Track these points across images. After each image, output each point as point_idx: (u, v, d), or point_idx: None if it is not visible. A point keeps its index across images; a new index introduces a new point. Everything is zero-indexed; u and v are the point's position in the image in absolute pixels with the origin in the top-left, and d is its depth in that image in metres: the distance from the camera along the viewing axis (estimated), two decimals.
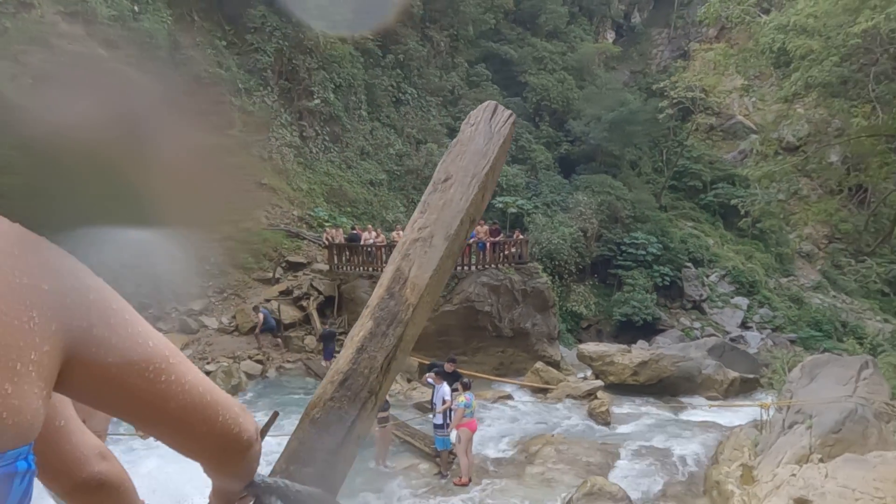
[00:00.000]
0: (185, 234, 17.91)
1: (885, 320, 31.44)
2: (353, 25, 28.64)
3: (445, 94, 34.15)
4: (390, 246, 18.31)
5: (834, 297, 34.33)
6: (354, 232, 19.89)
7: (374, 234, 19.63)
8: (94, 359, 0.61)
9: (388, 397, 10.09)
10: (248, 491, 0.84)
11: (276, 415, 1.05)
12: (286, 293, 18.83)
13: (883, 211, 19.64)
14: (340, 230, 21.24)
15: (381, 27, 30.75)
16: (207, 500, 0.89)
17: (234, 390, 13.91)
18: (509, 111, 1.10)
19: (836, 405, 8.26)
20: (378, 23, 29.60)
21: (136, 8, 22.20)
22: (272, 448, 1.01)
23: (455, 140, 1.11)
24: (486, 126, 1.06)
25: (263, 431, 1.04)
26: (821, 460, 7.33)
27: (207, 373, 14.42)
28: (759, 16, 15.61)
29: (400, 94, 32.64)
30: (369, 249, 18.48)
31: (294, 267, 20.34)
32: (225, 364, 14.86)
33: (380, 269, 18.39)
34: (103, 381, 0.63)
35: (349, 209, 27.00)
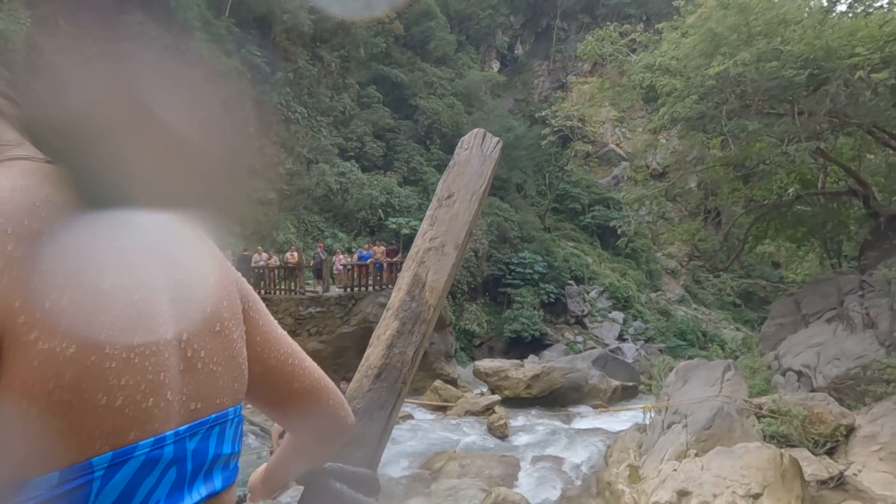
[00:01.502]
0: None
1: (737, 328, 35.35)
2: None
3: (337, 115, 34.00)
4: (284, 268, 17.78)
5: (695, 309, 38.03)
6: (246, 254, 19.06)
7: (265, 255, 18.94)
8: (246, 337, 0.69)
9: None
10: (306, 478, 0.91)
11: None
12: None
13: (734, 231, 22.20)
14: (229, 252, 20.25)
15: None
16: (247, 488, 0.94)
17: None
18: (497, 138, 1.25)
19: (707, 404, 9.22)
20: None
21: None
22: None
23: (452, 162, 1.24)
24: (479, 150, 1.20)
25: None
26: (696, 455, 8.13)
27: None
28: (630, 55, 17.27)
29: (290, 113, 31.98)
30: (261, 272, 17.79)
31: None
32: None
33: (274, 291, 17.74)
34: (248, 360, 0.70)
35: (236, 230, 25.80)
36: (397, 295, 1.08)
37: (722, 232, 23.23)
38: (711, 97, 13.37)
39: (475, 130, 1.28)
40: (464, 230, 1.14)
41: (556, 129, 37.22)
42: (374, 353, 0.99)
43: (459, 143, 1.26)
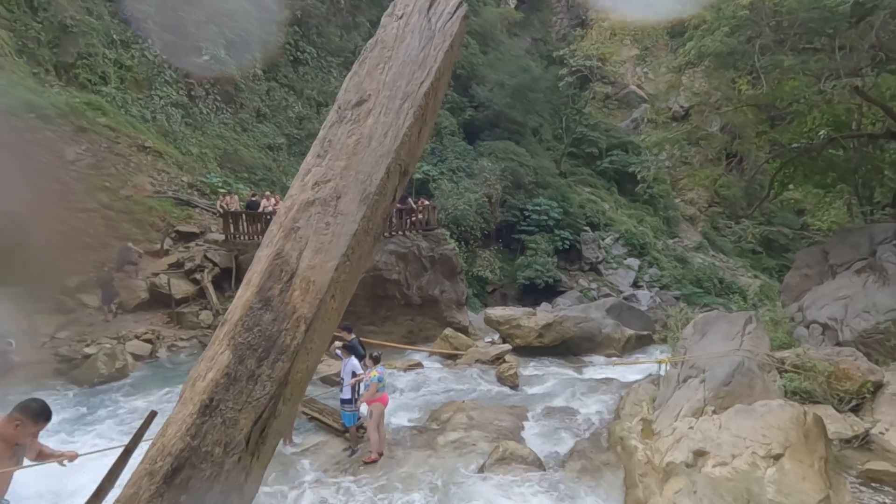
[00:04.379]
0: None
1: (755, 276, 34.69)
2: None
3: (347, 55, 32.70)
4: None
5: (713, 256, 37.26)
6: (254, 199, 18.73)
7: (273, 200, 18.56)
8: None
9: None
10: None
11: (153, 415, 0.69)
12: (177, 266, 17.42)
13: (759, 178, 21.21)
14: (236, 197, 19.91)
15: None
16: None
17: (119, 374, 12.72)
18: None
19: (726, 359, 8.78)
20: None
21: None
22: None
23: (372, 40, 0.71)
24: (423, 20, 0.67)
25: (138, 435, 0.68)
26: (714, 412, 7.76)
27: (87, 356, 13.03)
28: None
29: (298, 53, 30.87)
30: (269, 217, 17.44)
31: (185, 237, 18.83)
32: (108, 345, 13.50)
33: None
34: None
35: (246, 175, 25.39)
36: (244, 295, 0.58)
37: (745, 178, 22.26)
38: (744, 30, 12.31)
39: None
40: (381, 166, 0.61)
41: (574, 69, 35.65)
42: (174, 422, 0.51)
43: (390, 8, 0.72)
